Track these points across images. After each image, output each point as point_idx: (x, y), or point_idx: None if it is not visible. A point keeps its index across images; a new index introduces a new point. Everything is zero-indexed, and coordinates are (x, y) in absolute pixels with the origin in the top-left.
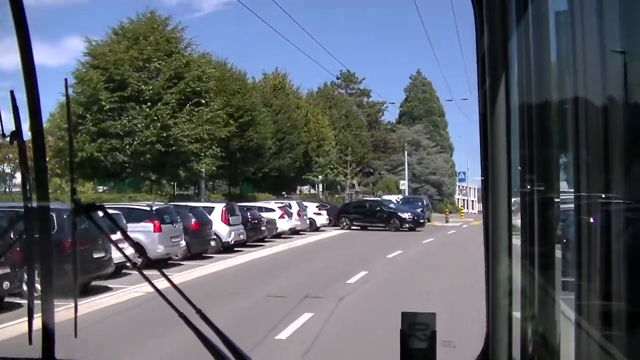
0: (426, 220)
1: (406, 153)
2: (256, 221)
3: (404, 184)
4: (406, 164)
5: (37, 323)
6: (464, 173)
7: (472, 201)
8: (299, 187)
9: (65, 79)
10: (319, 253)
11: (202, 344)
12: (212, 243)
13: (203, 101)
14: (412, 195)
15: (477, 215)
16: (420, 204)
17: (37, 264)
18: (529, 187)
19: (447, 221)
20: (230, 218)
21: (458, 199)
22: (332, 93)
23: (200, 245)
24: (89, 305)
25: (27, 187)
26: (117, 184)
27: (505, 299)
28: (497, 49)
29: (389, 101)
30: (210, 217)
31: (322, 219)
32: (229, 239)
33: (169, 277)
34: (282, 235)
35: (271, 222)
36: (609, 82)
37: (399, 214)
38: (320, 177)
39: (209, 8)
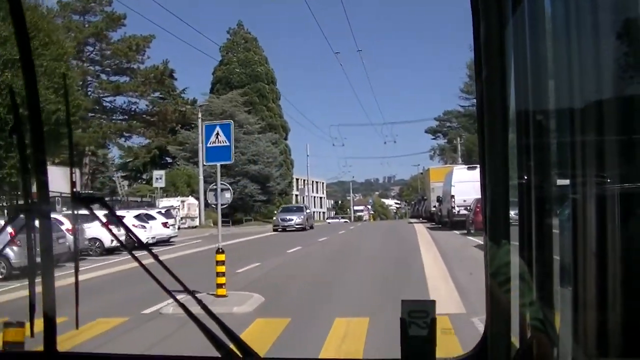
0: None
1: (200, 127)
2: None
3: (160, 179)
4: (200, 144)
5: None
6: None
7: (321, 198)
8: None
9: (64, 73)
10: None
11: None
12: None
13: None
14: None
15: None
16: None
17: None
18: (526, 175)
19: None
20: None
21: (305, 197)
22: None
23: None
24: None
25: (27, 183)
26: None
27: (504, 286)
28: (493, 39)
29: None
30: None
31: None
32: None
33: None
34: None
35: None
36: (606, 70)
37: None
38: None
39: None
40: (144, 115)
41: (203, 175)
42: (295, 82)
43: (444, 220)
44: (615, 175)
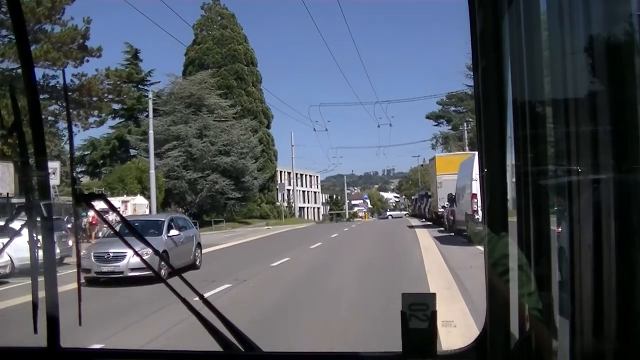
0: None
1: (150, 109)
2: None
3: (52, 173)
4: (150, 128)
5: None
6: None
7: (315, 193)
8: None
9: (63, 70)
10: None
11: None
12: None
13: None
14: None
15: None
16: None
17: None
18: (523, 165)
19: None
20: None
21: (286, 192)
22: None
23: None
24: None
25: (28, 182)
26: None
27: (503, 278)
28: (490, 31)
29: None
30: None
31: None
32: None
33: None
34: None
35: None
36: (601, 60)
37: None
38: None
39: None
40: (64, 93)
41: (165, 169)
42: (276, 62)
43: (458, 227)
44: (612, 164)
